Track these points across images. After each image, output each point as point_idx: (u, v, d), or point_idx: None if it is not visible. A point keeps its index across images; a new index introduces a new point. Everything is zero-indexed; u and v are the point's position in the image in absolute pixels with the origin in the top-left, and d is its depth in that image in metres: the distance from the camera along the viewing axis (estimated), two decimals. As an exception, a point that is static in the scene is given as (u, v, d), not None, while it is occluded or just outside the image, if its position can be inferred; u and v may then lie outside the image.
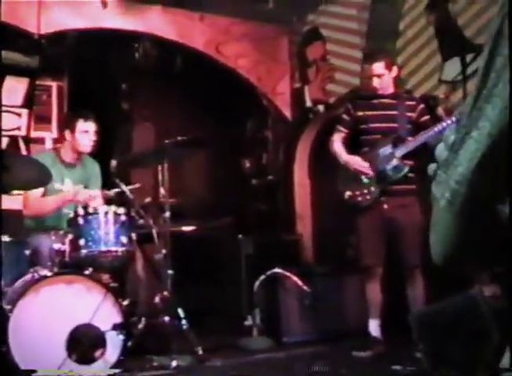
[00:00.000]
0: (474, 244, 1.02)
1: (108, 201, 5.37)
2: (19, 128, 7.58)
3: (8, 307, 4.24)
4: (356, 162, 5.30)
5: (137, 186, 5.51)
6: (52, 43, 7.19)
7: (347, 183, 5.31)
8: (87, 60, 7.50)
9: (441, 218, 1.03)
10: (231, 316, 6.63)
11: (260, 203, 8.56)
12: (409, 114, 5.25)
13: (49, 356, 4.19)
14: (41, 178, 4.88)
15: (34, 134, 7.67)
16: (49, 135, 7.74)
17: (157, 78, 8.09)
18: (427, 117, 5.25)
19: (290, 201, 8.37)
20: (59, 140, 6.59)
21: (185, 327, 5.10)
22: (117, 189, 5.36)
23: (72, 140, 5.50)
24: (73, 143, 5.50)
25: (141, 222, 5.35)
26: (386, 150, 5.17)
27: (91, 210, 4.85)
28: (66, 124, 5.73)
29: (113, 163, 5.42)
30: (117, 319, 4.45)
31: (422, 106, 5.33)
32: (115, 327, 4.40)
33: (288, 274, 6.24)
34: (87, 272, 4.56)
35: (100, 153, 5.79)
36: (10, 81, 7.54)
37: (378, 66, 5.29)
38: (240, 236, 7.26)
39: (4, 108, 7.45)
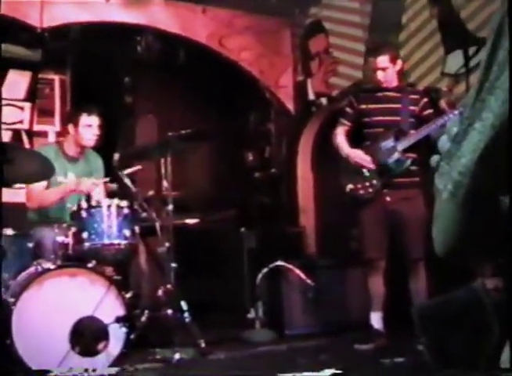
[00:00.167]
0: (476, 235, 1.02)
1: (111, 194, 5.37)
2: (22, 122, 7.59)
3: (11, 300, 4.25)
4: (357, 155, 5.30)
5: (138, 168, 5.49)
6: (55, 37, 7.19)
7: (350, 176, 5.31)
8: (89, 54, 7.49)
9: (443, 209, 1.03)
10: (234, 308, 6.65)
11: (263, 196, 8.56)
12: (412, 108, 5.25)
13: (52, 349, 4.20)
14: (44, 171, 4.89)
15: (36, 127, 7.68)
16: (52, 128, 7.75)
17: (160, 71, 8.09)
18: (430, 111, 5.25)
19: (293, 194, 8.37)
20: (62, 134, 6.60)
21: (187, 319, 5.11)
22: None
23: (75, 134, 5.50)
24: (76, 137, 5.51)
25: (144, 215, 5.36)
26: (388, 143, 5.17)
27: (94, 203, 4.86)
28: (70, 118, 5.75)
29: (116, 156, 5.43)
30: (120, 311, 4.46)
31: (425, 99, 5.33)
32: (118, 320, 4.41)
33: (291, 267, 6.25)
34: (90, 265, 4.57)
35: (103, 146, 5.79)
36: (13, 75, 7.55)
37: (383, 60, 5.29)
38: (243, 229, 7.27)
39: (7, 101, 7.46)
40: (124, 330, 4.43)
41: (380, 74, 5.28)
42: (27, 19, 6.94)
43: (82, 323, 4.33)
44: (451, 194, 0.99)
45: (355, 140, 5.47)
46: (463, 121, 0.98)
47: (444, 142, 1.04)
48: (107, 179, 5.53)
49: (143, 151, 6.26)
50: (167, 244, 5.32)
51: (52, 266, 4.46)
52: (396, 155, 5.12)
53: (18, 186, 5.80)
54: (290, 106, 8.52)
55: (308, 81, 8.36)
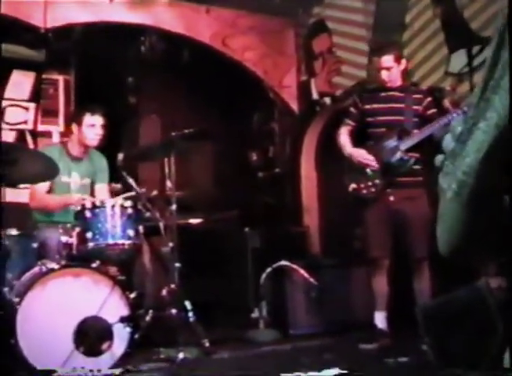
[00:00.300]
0: (480, 234, 1.03)
1: (115, 194, 5.38)
2: (26, 122, 7.60)
3: (16, 300, 4.26)
4: (360, 155, 5.30)
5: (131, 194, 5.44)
6: (59, 37, 7.20)
7: (353, 176, 5.31)
8: (93, 54, 7.50)
9: (448, 209, 1.03)
10: (238, 308, 6.65)
11: (267, 195, 8.56)
12: (416, 107, 5.25)
13: (57, 349, 4.21)
14: (49, 171, 4.90)
15: (41, 128, 7.69)
16: (56, 128, 7.76)
17: (164, 71, 8.09)
18: (433, 111, 5.24)
19: (297, 194, 8.37)
20: (66, 134, 6.60)
21: (192, 319, 5.11)
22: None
23: (79, 134, 5.52)
24: (79, 137, 5.53)
25: (148, 214, 5.36)
26: (391, 142, 5.17)
27: (98, 203, 4.87)
28: (74, 117, 5.76)
29: (120, 156, 5.43)
30: (124, 311, 4.47)
31: (429, 99, 5.33)
32: (122, 320, 4.42)
33: (295, 267, 6.26)
34: (94, 265, 4.58)
35: (107, 146, 5.80)
36: (17, 75, 7.56)
37: (387, 59, 5.28)
38: (247, 228, 7.27)
39: (11, 102, 7.48)
40: (128, 329, 4.44)
41: (384, 74, 5.28)
42: (31, 19, 6.95)
43: (86, 322, 4.33)
44: (455, 194, 0.99)
45: (359, 140, 5.47)
46: (467, 120, 0.98)
47: (448, 142, 1.04)
48: (112, 185, 5.55)
49: (147, 151, 6.27)
50: (170, 244, 5.32)
51: (56, 266, 4.47)
52: (399, 154, 5.12)
53: (22, 186, 5.83)
54: (294, 105, 8.52)
55: (311, 81, 8.36)
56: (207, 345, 5.02)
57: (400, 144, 5.13)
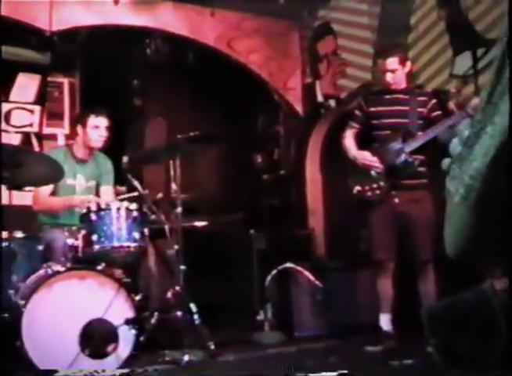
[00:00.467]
0: (487, 237, 1.03)
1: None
2: (31, 125, 7.63)
3: (21, 302, 4.27)
4: (364, 157, 5.29)
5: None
6: (64, 40, 7.22)
7: (357, 178, 5.30)
8: (98, 57, 7.52)
9: (455, 212, 1.03)
10: (243, 310, 6.65)
11: (272, 198, 8.56)
12: (421, 110, 5.24)
13: (62, 351, 4.21)
14: (54, 174, 4.92)
15: (46, 130, 7.72)
16: (61, 131, 7.78)
17: (169, 74, 8.10)
18: (438, 113, 5.24)
19: (302, 196, 8.37)
20: (71, 136, 6.62)
21: (197, 321, 5.11)
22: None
23: (83, 135, 5.54)
24: (84, 139, 5.55)
25: (153, 217, 5.36)
26: (396, 145, 5.16)
27: (103, 206, 4.87)
28: (78, 119, 5.79)
29: (125, 159, 5.44)
30: (130, 314, 4.48)
31: (434, 101, 5.32)
32: (127, 322, 4.43)
33: (300, 269, 6.26)
34: (99, 267, 4.59)
35: (112, 149, 5.81)
36: (22, 78, 7.59)
37: (392, 62, 5.28)
38: (252, 231, 7.27)
39: (16, 105, 7.50)
40: (133, 332, 4.44)
41: (389, 76, 5.27)
42: (36, 22, 6.97)
43: (92, 325, 4.34)
44: (463, 197, 0.99)
45: (364, 142, 5.46)
46: (474, 124, 0.98)
47: (455, 146, 1.04)
48: (117, 187, 5.56)
49: (152, 154, 6.27)
50: (176, 247, 5.32)
51: (62, 269, 4.48)
52: (404, 156, 5.11)
53: (28, 188, 5.85)
54: (299, 108, 8.52)
55: (316, 83, 8.36)
56: (213, 347, 5.01)
57: (404, 146, 5.12)
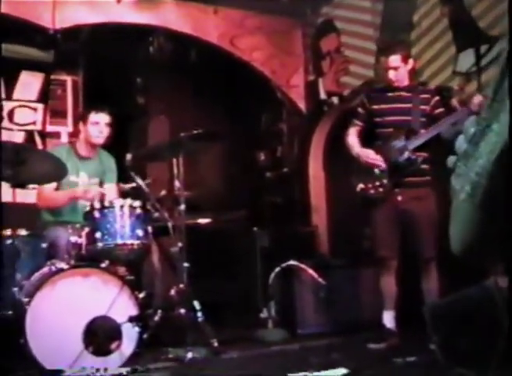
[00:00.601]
0: (493, 235, 1.03)
1: (124, 195, 5.40)
2: (34, 123, 7.64)
3: (25, 300, 4.28)
4: (367, 155, 5.29)
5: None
6: (67, 38, 7.23)
7: (360, 176, 5.31)
8: (101, 55, 7.53)
9: (461, 210, 1.03)
10: (246, 308, 6.66)
11: (275, 195, 8.56)
12: (424, 107, 5.24)
13: (66, 348, 4.22)
14: (57, 172, 4.93)
15: (49, 128, 7.73)
16: (65, 129, 7.79)
17: (172, 72, 8.11)
18: (441, 110, 5.23)
19: (305, 194, 8.38)
20: (74, 134, 6.63)
21: (200, 319, 5.11)
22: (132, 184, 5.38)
23: (84, 132, 5.57)
24: (85, 135, 5.57)
25: (156, 215, 5.37)
26: (399, 142, 5.16)
27: (107, 203, 4.88)
28: (80, 116, 5.81)
29: (129, 156, 5.44)
30: (133, 311, 4.48)
31: (436, 98, 5.31)
32: (131, 320, 4.43)
33: (303, 266, 6.26)
34: (103, 265, 4.60)
35: (115, 146, 5.82)
36: (26, 76, 7.60)
37: (394, 59, 5.27)
38: (255, 228, 7.28)
39: (20, 103, 7.51)
40: (137, 329, 4.45)
41: (391, 74, 5.27)
42: (40, 20, 6.98)
43: (95, 322, 4.35)
44: (468, 195, 0.99)
45: (367, 140, 5.46)
46: (480, 121, 0.98)
47: (461, 143, 1.04)
48: (121, 185, 5.57)
49: (155, 151, 6.27)
50: (179, 244, 5.32)
51: (66, 266, 4.49)
52: (407, 154, 5.11)
53: (31, 186, 5.86)
54: (302, 105, 8.52)
55: (319, 81, 8.36)
56: (216, 344, 5.01)
57: (407, 144, 5.12)
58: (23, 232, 4.72)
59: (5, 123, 7.42)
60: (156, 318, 4.95)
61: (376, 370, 4.30)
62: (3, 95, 7.44)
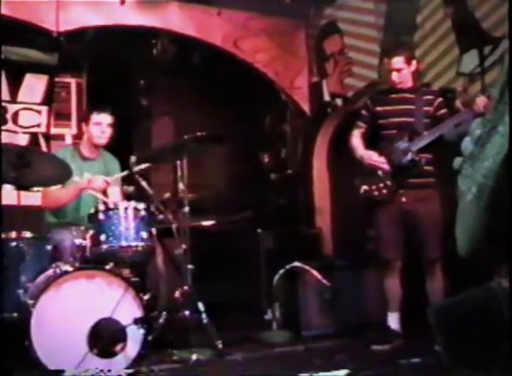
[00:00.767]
0: (499, 236, 1.03)
1: (128, 197, 5.40)
2: (39, 125, 7.65)
3: (30, 302, 4.28)
4: (371, 156, 5.29)
5: (148, 165, 5.46)
6: (71, 40, 7.24)
7: (364, 178, 5.31)
8: (105, 57, 7.54)
9: (467, 211, 1.04)
10: (251, 310, 6.66)
11: (279, 197, 8.57)
12: (427, 108, 5.24)
13: (71, 350, 4.22)
14: (62, 174, 4.94)
15: (54, 131, 7.75)
16: (69, 131, 7.81)
17: (176, 74, 8.12)
18: (444, 111, 5.24)
19: (309, 195, 8.37)
20: (78, 136, 6.64)
21: (205, 321, 5.12)
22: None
23: (87, 133, 5.58)
24: (88, 136, 5.58)
25: (161, 217, 5.37)
26: (402, 144, 5.16)
27: (111, 205, 4.88)
28: (83, 117, 5.83)
29: (133, 159, 5.45)
30: (138, 313, 4.48)
31: (440, 99, 5.32)
32: (136, 322, 4.43)
33: (308, 268, 6.26)
34: (108, 267, 4.60)
35: (119, 148, 5.83)
36: (30, 79, 7.62)
37: (397, 61, 5.27)
38: (260, 230, 7.28)
39: (24, 105, 7.53)
40: (141, 331, 4.45)
41: (394, 75, 5.27)
42: (43, 23, 7.00)
43: (100, 324, 4.35)
44: (474, 196, 0.99)
45: (371, 142, 5.46)
46: (485, 123, 0.99)
47: (467, 145, 1.04)
48: (125, 187, 5.57)
49: (159, 153, 6.28)
50: (183, 246, 5.33)
51: (70, 268, 4.49)
52: (410, 155, 5.11)
53: (36, 189, 5.86)
54: (306, 107, 8.52)
55: (323, 82, 8.36)
56: (220, 346, 5.02)
57: (411, 145, 5.12)
58: (27, 234, 4.73)
59: (10, 125, 7.44)
60: (161, 320, 4.95)
61: (381, 371, 4.30)
62: (8, 98, 7.46)
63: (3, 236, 4.62)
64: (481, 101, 4.70)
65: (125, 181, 5.66)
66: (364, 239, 6.91)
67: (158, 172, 7.31)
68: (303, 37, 8.61)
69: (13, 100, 7.51)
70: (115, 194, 5.61)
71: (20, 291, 4.50)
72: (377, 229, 5.43)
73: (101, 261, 4.68)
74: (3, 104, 7.37)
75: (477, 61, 6.01)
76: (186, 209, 5.43)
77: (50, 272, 4.52)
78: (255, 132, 8.78)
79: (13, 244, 4.62)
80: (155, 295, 5.07)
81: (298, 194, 8.50)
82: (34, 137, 7.59)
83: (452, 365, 3.42)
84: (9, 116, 7.45)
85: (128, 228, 4.80)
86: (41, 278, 4.51)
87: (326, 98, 8.30)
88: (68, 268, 4.50)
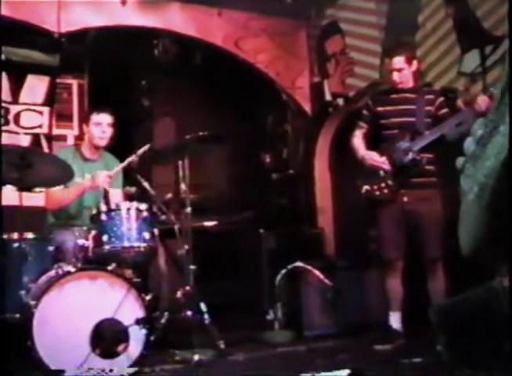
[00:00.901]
0: (501, 235, 1.03)
1: (130, 198, 5.41)
2: (40, 126, 7.66)
3: (32, 302, 4.29)
4: (372, 156, 5.30)
5: (147, 147, 5.44)
6: (72, 41, 7.26)
7: (366, 178, 5.31)
8: (107, 58, 7.55)
9: (469, 210, 1.04)
10: (253, 310, 6.66)
11: (281, 197, 8.57)
12: (428, 108, 5.24)
13: (73, 351, 4.22)
14: (64, 175, 4.95)
15: (55, 131, 7.76)
16: (71, 132, 7.82)
17: (177, 74, 8.12)
18: (445, 111, 5.24)
19: (311, 195, 8.38)
20: (80, 137, 6.65)
21: (207, 321, 5.13)
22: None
23: (88, 133, 5.58)
24: (89, 137, 5.58)
25: (163, 217, 5.37)
26: (403, 143, 5.16)
27: (113, 206, 4.89)
28: (83, 118, 5.83)
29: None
30: (140, 313, 4.48)
31: (441, 99, 5.32)
32: (138, 322, 4.44)
33: (310, 268, 6.26)
34: (110, 267, 4.60)
35: (121, 149, 5.83)
36: (31, 80, 7.63)
37: (398, 61, 5.27)
38: (262, 230, 7.29)
39: (26, 106, 7.53)
40: (143, 332, 4.45)
41: (395, 75, 5.27)
42: (45, 24, 7.01)
43: (102, 325, 4.35)
44: (476, 196, 1.00)
45: (373, 142, 5.46)
46: (487, 123, 0.99)
47: (469, 144, 1.05)
48: (127, 188, 5.57)
49: (161, 154, 6.29)
50: (186, 247, 5.34)
51: (73, 269, 4.49)
52: (411, 155, 5.11)
53: (38, 189, 5.87)
54: (307, 107, 8.53)
55: (324, 82, 8.36)
56: (223, 346, 5.03)
57: (412, 145, 5.12)
58: (29, 235, 4.73)
59: (12, 126, 7.45)
60: (163, 320, 4.96)
61: (383, 371, 4.31)
62: (10, 99, 7.47)
63: (5, 236, 4.64)
64: (482, 100, 4.70)
65: (127, 181, 5.67)
66: (366, 239, 6.92)
67: (160, 173, 7.32)
68: (304, 37, 8.61)
69: (15, 101, 7.52)
70: (116, 196, 5.61)
71: (22, 292, 4.50)
72: (379, 229, 5.44)
73: (103, 261, 4.68)
74: (5, 105, 7.38)
75: (479, 61, 6.02)
76: (188, 209, 5.43)
77: (52, 272, 4.53)
78: (256, 132, 8.79)
79: (15, 244, 4.63)
80: (157, 296, 5.07)
81: (300, 194, 8.51)
82: (35, 138, 7.60)
83: (454, 365, 3.42)
84: (10, 117, 7.46)
85: (130, 229, 4.81)
86: (44, 279, 4.51)
87: (328, 98, 8.30)
88: (70, 268, 4.51)
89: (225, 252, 7.33)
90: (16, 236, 4.67)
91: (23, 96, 7.58)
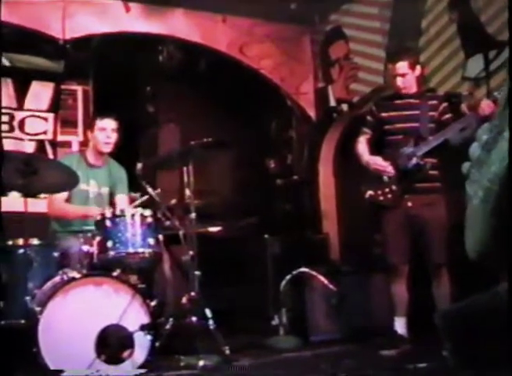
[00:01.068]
0: (506, 239, 1.03)
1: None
2: (45, 133, 7.67)
3: (37, 309, 4.29)
4: (376, 162, 5.29)
5: (144, 199, 5.45)
6: (77, 48, 7.28)
7: (370, 183, 5.31)
8: (111, 64, 7.56)
9: (474, 215, 1.04)
10: (258, 315, 6.65)
11: (285, 203, 8.57)
12: (432, 113, 5.23)
13: (79, 357, 4.23)
14: (68, 181, 4.96)
15: (60, 138, 7.77)
16: (75, 138, 7.82)
17: (182, 80, 8.13)
18: (448, 116, 5.23)
19: (316, 201, 8.38)
20: (85, 143, 6.66)
21: (212, 327, 5.11)
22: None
23: (93, 140, 5.59)
24: (94, 143, 5.60)
25: (167, 223, 5.38)
26: (407, 149, 5.16)
27: (118, 212, 4.90)
28: (88, 124, 5.85)
29: (139, 165, 5.46)
30: (145, 319, 4.49)
31: (444, 104, 5.31)
32: (143, 328, 4.44)
33: (314, 273, 6.26)
34: (115, 273, 4.60)
35: (126, 155, 5.84)
36: (36, 86, 7.64)
37: (401, 66, 5.27)
38: (266, 236, 7.28)
39: (30, 113, 7.55)
40: (148, 337, 4.45)
41: (399, 81, 5.27)
42: (50, 31, 7.03)
43: (107, 331, 4.36)
44: (481, 201, 1.00)
45: (377, 148, 5.46)
46: (491, 128, 0.99)
47: (474, 150, 1.05)
48: (132, 195, 5.58)
49: (166, 160, 6.29)
50: (190, 252, 5.33)
51: (78, 275, 4.50)
52: (415, 160, 5.11)
53: (43, 196, 5.88)
54: (312, 112, 8.53)
55: (328, 88, 8.36)
56: (228, 352, 5.01)
57: (416, 150, 5.12)
58: (35, 241, 4.74)
59: (17, 133, 7.46)
60: (168, 326, 4.95)
61: (389, 376, 4.30)
62: (14, 105, 7.48)
63: (10, 243, 4.65)
64: (486, 105, 4.69)
65: (132, 188, 5.68)
66: (370, 244, 6.91)
67: (164, 178, 7.32)
68: (308, 42, 8.62)
69: (20, 107, 7.53)
70: (122, 202, 5.62)
71: (28, 298, 4.51)
72: (383, 234, 5.43)
73: (108, 267, 4.69)
74: (10, 111, 7.39)
75: (482, 65, 6.01)
76: (193, 215, 5.43)
77: (57, 278, 4.54)
78: (261, 138, 8.79)
79: (21, 251, 4.64)
80: (162, 302, 5.07)
81: (304, 200, 8.50)
82: (40, 144, 7.61)
83: (460, 370, 3.40)
84: (15, 123, 7.47)
85: (135, 234, 4.81)
86: (49, 285, 4.52)
87: (332, 103, 8.31)
88: (75, 275, 4.51)
89: (230, 258, 7.33)
90: (21, 242, 4.69)
91: (28, 103, 7.59)
